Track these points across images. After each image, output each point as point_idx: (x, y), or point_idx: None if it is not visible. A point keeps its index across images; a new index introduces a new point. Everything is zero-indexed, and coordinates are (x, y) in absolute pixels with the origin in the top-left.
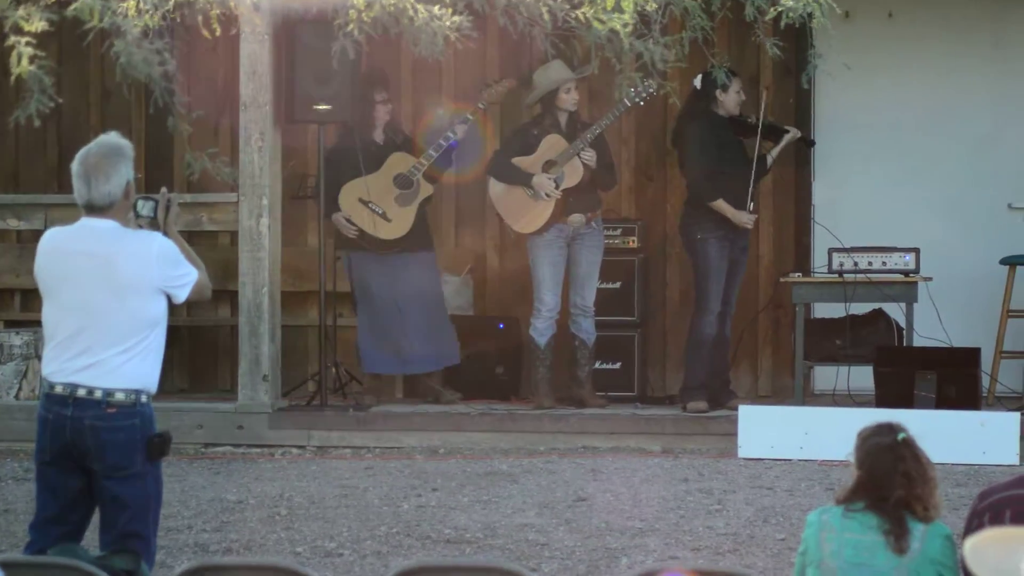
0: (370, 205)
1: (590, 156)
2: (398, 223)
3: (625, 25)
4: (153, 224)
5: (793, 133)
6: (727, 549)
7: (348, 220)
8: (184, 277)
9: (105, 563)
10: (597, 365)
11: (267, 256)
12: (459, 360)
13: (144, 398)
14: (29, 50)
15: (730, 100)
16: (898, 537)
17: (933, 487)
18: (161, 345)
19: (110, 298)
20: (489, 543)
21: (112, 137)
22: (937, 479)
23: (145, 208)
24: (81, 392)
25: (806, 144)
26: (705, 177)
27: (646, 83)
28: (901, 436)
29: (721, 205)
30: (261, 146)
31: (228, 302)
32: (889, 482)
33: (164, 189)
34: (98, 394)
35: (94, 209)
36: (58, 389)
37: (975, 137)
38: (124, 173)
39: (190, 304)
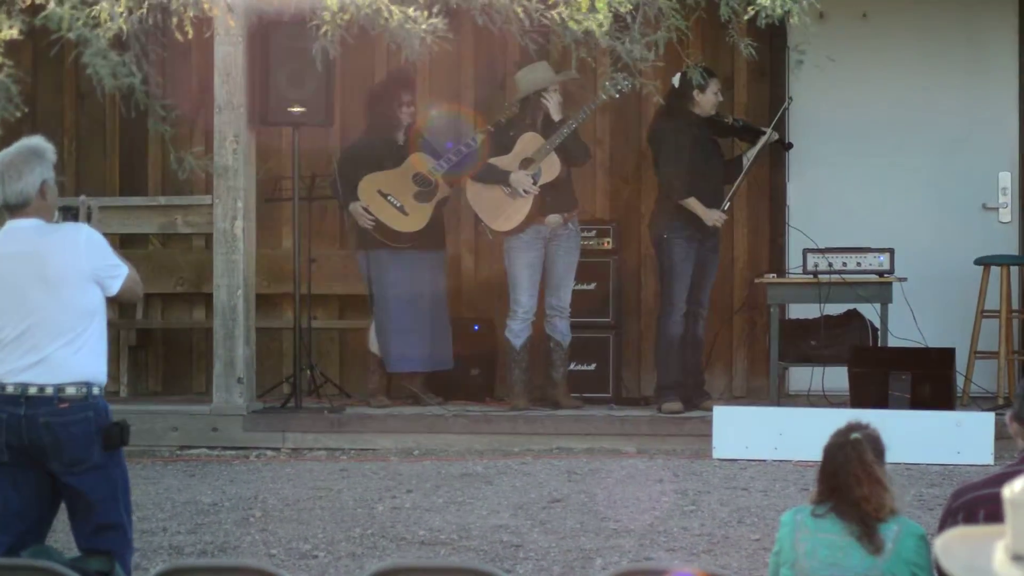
0: (388, 198)
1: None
2: (414, 218)
3: (600, 25)
4: None
5: (770, 135)
6: (702, 550)
7: (366, 210)
8: (115, 268)
9: (79, 565)
10: (572, 366)
11: (242, 258)
12: (451, 365)
13: (96, 390)
14: None
15: (707, 100)
16: (869, 538)
17: (881, 488)
18: (103, 337)
19: (44, 293)
20: (464, 544)
21: (32, 139)
22: (888, 480)
23: (64, 218)
24: (32, 390)
25: (783, 147)
26: (678, 175)
27: (621, 76)
28: (854, 436)
29: (692, 203)
30: (236, 148)
31: (203, 304)
32: (841, 482)
33: (83, 197)
34: (49, 391)
35: (12, 209)
36: (9, 389)
37: (949, 137)
38: (39, 173)
39: (165, 307)
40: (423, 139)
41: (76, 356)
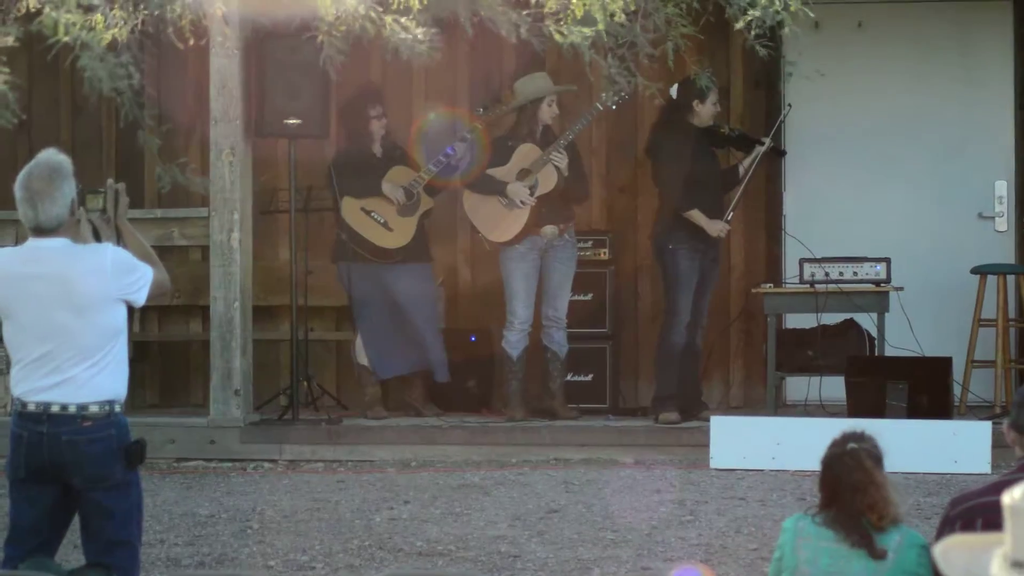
0: (372, 214)
1: (562, 159)
2: (400, 233)
3: (586, 39)
4: (104, 217)
5: (767, 145)
6: (699, 560)
7: (352, 229)
8: (140, 280)
9: None
10: (569, 377)
11: (238, 270)
12: (447, 377)
13: (117, 407)
14: None
15: (706, 111)
16: (866, 544)
17: (880, 497)
18: (126, 352)
19: (73, 317)
20: (462, 555)
21: (50, 156)
22: (889, 487)
23: (95, 202)
24: (55, 408)
25: (776, 154)
26: (679, 187)
27: (617, 87)
28: (851, 447)
29: (695, 215)
30: (232, 160)
31: (199, 316)
32: (842, 492)
33: (110, 181)
34: (72, 409)
35: (43, 231)
36: (31, 407)
37: (944, 146)
38: (68, 192)
39: (162, 319)
40: (422, 145)
41: (100, 375)
